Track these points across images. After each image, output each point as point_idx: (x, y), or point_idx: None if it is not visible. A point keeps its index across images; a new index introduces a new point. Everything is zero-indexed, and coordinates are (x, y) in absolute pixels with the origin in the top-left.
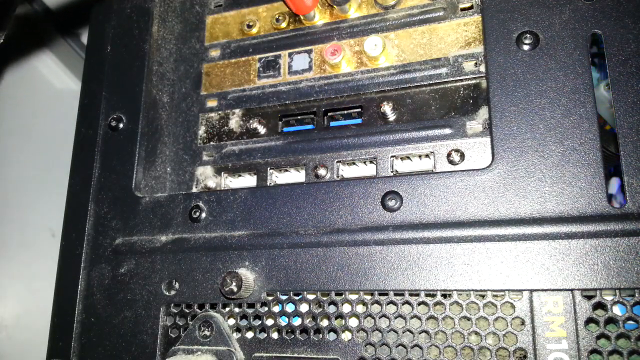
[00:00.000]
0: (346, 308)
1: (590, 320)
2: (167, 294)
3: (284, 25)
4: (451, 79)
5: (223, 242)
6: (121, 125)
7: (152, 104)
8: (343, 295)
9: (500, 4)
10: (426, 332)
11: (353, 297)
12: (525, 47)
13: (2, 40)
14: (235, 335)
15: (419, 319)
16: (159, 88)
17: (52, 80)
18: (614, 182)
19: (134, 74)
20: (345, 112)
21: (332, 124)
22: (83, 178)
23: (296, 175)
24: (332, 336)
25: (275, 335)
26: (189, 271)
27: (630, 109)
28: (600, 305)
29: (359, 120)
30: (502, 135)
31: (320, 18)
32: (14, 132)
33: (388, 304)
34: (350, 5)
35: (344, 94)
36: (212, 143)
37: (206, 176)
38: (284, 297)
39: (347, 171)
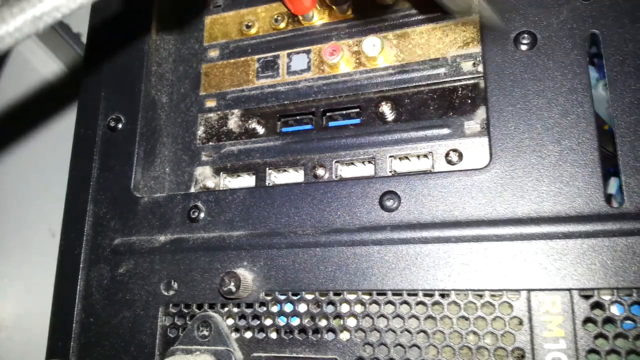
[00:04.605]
0: (344, 308)
1: (588, 320)
2: (166, 294)
3: (282, 25)
4: (449, 79)
5: (221, 242)
6: (120, 126)
7: (151, 104)
8: (341, 295)
9: (498, 4)
10: (424, 332)
11: (351, 297)
12: (523, 47)
13: None
14: (234, 335)
15: (417, 318)
16: (157, 88)
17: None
18: (613, 182)
19: (133, 74)
20: (344, 112)
21: (331, 124)
22: (82, 178)
23: (295, 176)
24: (330, 336)
25: (273, 335)
26: (187, 271)
27: (627, 109)
28: (598, 305)
29: (357, 121)
30: (499, 135)
31: (319, 18)
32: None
33: (386, 303)
34: (348, 6)
35: (343, 94)
36: (210, 143)
37: (205, 176)
38: (282, 297)
39: (346, 171)
